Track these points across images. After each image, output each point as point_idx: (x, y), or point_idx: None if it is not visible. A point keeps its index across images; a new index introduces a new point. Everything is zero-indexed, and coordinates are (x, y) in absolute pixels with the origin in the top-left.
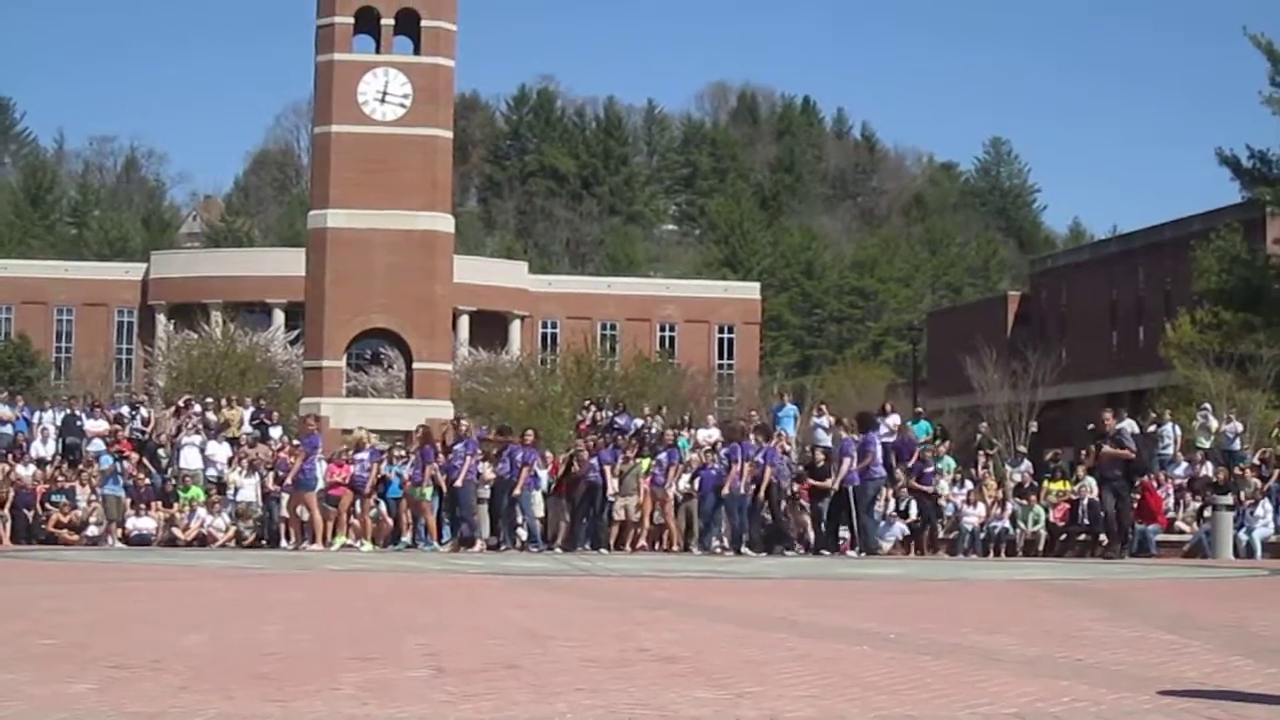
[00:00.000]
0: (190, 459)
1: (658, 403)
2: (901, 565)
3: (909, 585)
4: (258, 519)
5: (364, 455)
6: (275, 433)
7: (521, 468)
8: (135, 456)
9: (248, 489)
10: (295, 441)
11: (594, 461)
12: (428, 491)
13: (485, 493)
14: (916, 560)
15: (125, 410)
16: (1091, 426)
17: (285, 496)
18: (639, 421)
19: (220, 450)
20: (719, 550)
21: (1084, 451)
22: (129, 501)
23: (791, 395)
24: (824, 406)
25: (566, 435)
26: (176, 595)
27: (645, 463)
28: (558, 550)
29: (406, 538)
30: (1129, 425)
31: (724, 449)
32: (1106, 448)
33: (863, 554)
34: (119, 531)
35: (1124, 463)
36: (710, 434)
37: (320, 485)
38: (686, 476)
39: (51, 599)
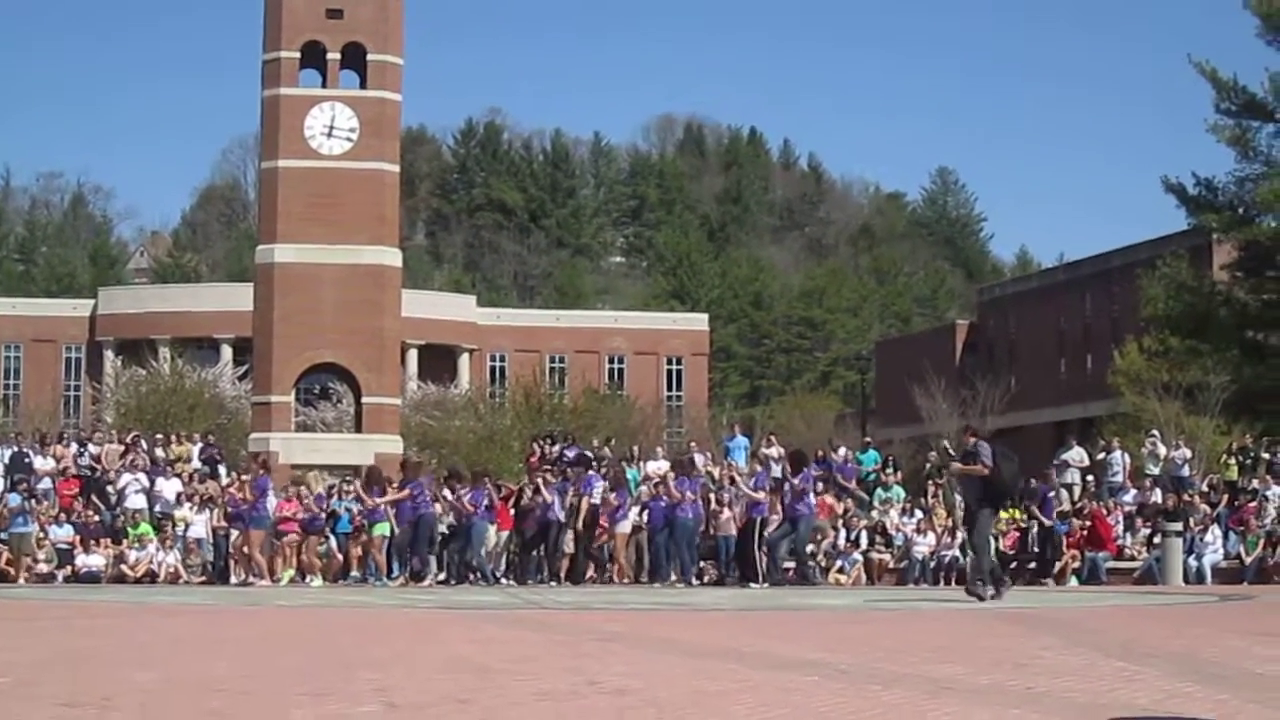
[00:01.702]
0: (135, 497)
1: (607, 435)
2: (852, 595)
3: (859, 615)
4: (207, 560)
5: (311, 499)
6: (223, 469)
7: (470, 506)
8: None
9: (198, 525)
10: (244, 477)
11: (551, 498)
12: (383, 528)
13: (443, 529)
14: (867, 590)
15: (74, 447)
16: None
17: (234, 533)
18: (589, 454)
19: (168, 486)
20: (673, 583)
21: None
22: (78, 540)
23: (742, 426)
24: (773, 438)
25: (516, 468)
26: (127, 632)
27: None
28: (507, 583)
29: (356, 573)
30: (985, 448)
31: (674, 481)
32: (956, 464)
33: (766, 585)
34: (29, 570)
35: (982, 483)
36: (659, 466)
37: (269, 522)
38: (636, 510)
39: (1, 637)
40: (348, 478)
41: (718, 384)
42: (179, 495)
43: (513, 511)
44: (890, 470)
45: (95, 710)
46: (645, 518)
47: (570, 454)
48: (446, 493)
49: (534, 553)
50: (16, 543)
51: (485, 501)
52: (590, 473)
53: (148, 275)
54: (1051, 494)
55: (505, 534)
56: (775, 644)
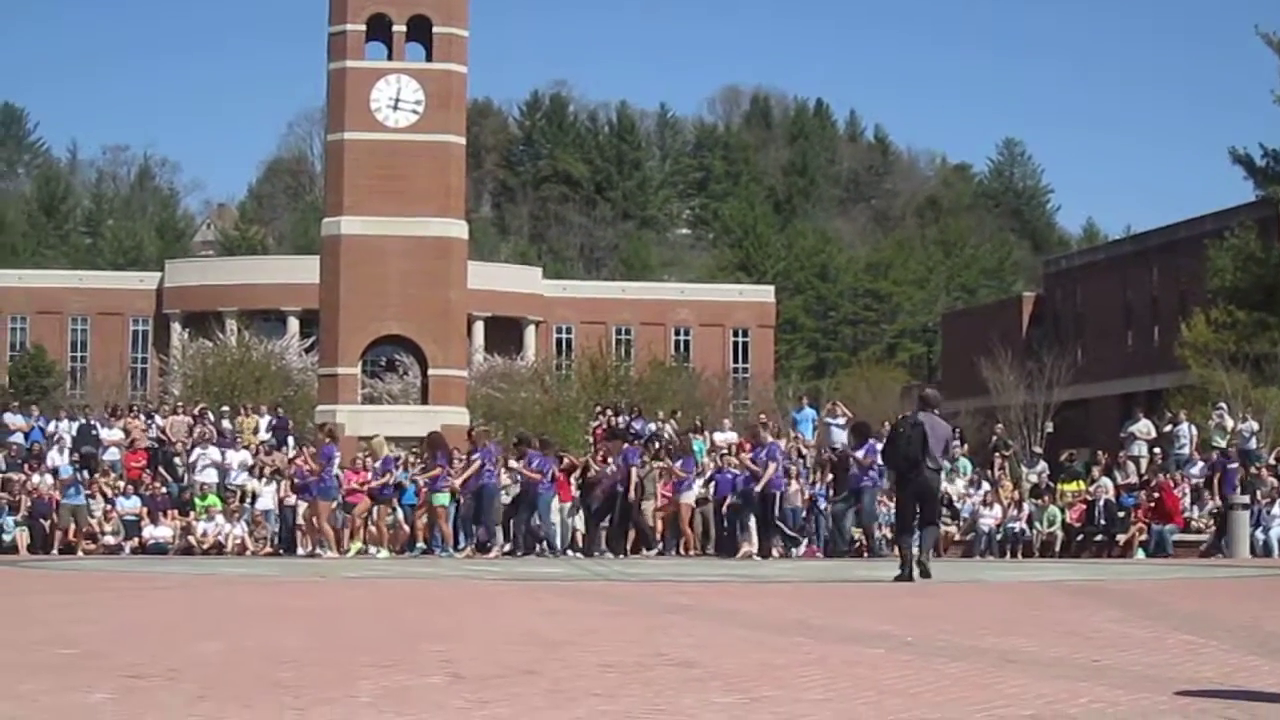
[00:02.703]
0: (204, 469)
1: (673, 407)
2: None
3: (926, 588)
4: (274, 532)
5: (378, 464)
6: (292, 440)
7: (537, 474)
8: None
9: (266, 497)
10: (311, 449)
11: (618, 465)
12: (444, 498)
13: (506, 500)
14: (934, 562)
15: (141, 419)
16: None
17: (302, 505)
18: (653, 426)
19: (235, 458)
20: (747, 555)
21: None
22: (145, 511)
23: (808, 398)
24: (839, 405)
25: (582, 440)
26: (193, 604)
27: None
28: (575, 555)
29: (422, 544)
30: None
31: (761, 451)
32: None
33: (762, 557)
34: (94, 541)
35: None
36: (726, 437)
37: (336, 492)
38: (701, 480)
39: (69, 608)
40: (414, 449)
41: (784, 356)
42: (246, 467)
43: (579, 483)
44: (957, 442)
45: (162, 681)
46: (713, 489)
47: (637, 426)
48: (512, 462)
49: (600, 525)
50: (69, 514)
51: (551, 472)
52: (626, 446)
53: (214, 248)
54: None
55: (567, 505)
56: (842, 617)
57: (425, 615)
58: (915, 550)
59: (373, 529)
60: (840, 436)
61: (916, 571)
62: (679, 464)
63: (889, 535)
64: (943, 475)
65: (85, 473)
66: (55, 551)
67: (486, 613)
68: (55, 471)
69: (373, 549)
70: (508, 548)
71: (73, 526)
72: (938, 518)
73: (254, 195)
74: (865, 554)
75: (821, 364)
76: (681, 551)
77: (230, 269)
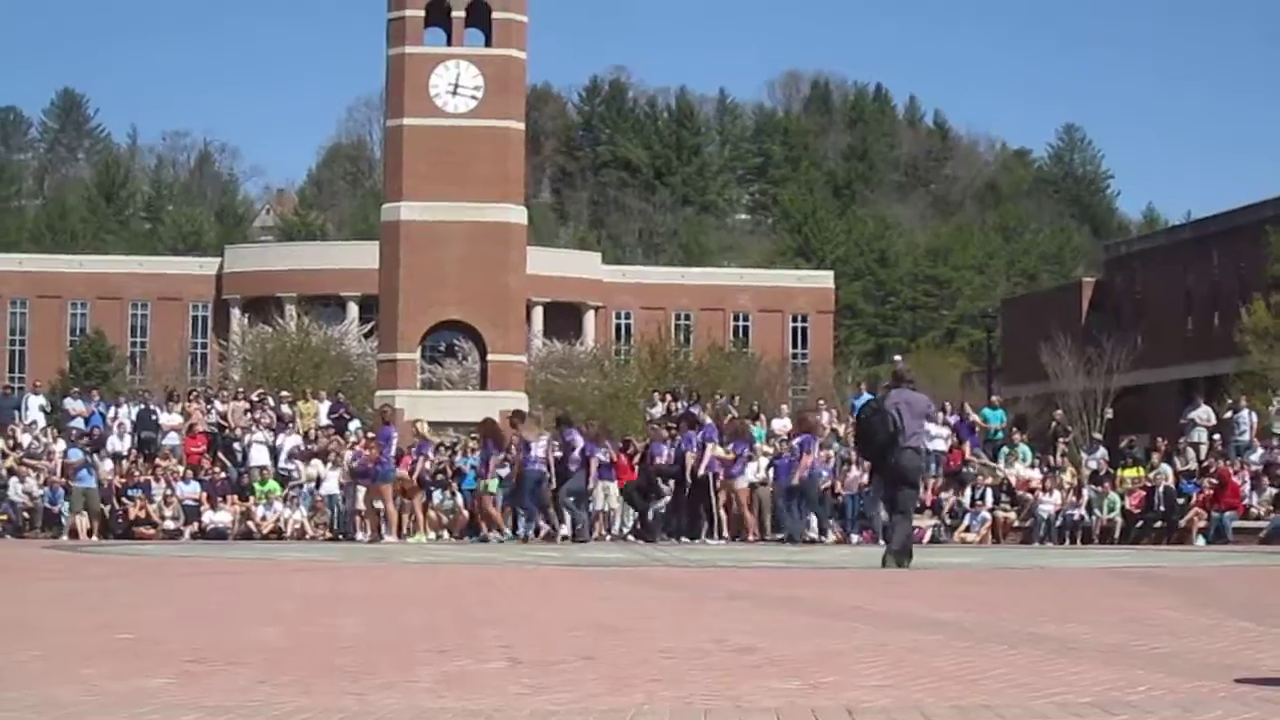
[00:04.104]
0: (259, 455)
1: (731, 392)
2: (978, 553)
3: (985, 574)
4: (334, 517)
5: (413, 449)
6: (354, 425)
7: (586, 460)
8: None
9: (330, 482)
10: (370, 434)
11: (676, 449)
12: (492, 484)
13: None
14: (993, 548)
15: (201, 403)
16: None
17: (361, 490)
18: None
19: (287, 442)
20: (807, 539)
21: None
22: (204, 496)
23: (868, 384)
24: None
25: (642, 426)
26: (252, 589)
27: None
28: (632, 539)
29: (487, 531)
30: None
31: (796, 440)
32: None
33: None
34: (86, 523)
35: None
36: (784, 424)
37: (395, 474)
38: (756, 465)
39: (129, 593)
40: (473, 434)
41: (843, 341)
42: (305, 452)
43: (638, 468)
44: (1018, 429)
45: (222, 665)
46: (771, 474)
47: (696, 412)
48: (535, 440)
49: (656, 509)
50: (81, 497)
51: (607, 458)
52: (690, 429)
53: (273, 233)
54: None
55: (615, 488)
56: (901, 603)
57: (483, 601)
58: (887, 538)
59: (416, 514)
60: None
61: (892, 562)
62: (730, 447)
63: (945, 522)
64: (927, 447)
65: (142, 459)
66: (113, 537)
67: (544, 598)
68: (116, 456)
69: (421, 534)
70: (565, 531)
71: (85, 514)
72: (911, 505)
73: (313, 181)
74: (922, 540)
75: (881, 349)
76: (740, 537)
77: (289, 254)
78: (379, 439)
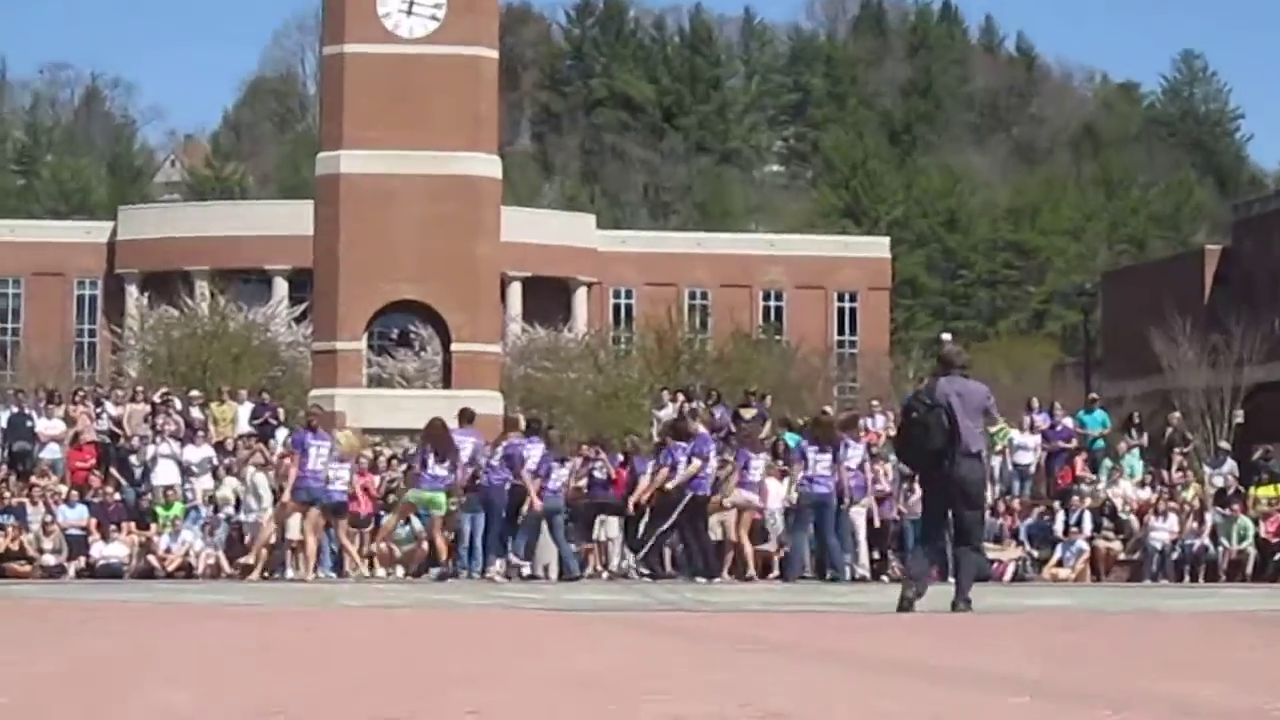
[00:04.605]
0: (163, 471)
1: (760, 390)
2: (1073, 593)
3: (1082, 619)
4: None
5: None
6: (282, 434)
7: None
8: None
9: (255, 505)
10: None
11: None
12: (441, 500)
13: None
14: (1092, 587)
15: (89, 407)
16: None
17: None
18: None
19: (197, 455)
20: (848, 576)
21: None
22: (94, 524)
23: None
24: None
25: (647, 434)
26: (156, 640)
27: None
28: (639, 577)
29: (453, 564)
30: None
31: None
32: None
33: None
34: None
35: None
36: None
37: (317, 495)
38: (781, 485)
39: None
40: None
41: (901, 326)
42: (211, 466)
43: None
44: (1131, 433)
45: None
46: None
47: (718, 414)
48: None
49: (664, 539)
50: None
51: (604, 474)
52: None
53: (180, 191)
54: None
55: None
56: (972, 655)
57: (449, 654)
58: (956, 576)
59: (379, 547)
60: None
61: (961, 607)
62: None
63: (1032, 554)
64: (986, 457)
65: (14, 477)
66: None
67: (526, 652)
68: None
69: (358, 570)
70: (526, 570)
71: None
72: (980, 531)
73: (230, 125)
74: (1002, 576)
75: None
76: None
77: (200, 218)
78: (293, 447)
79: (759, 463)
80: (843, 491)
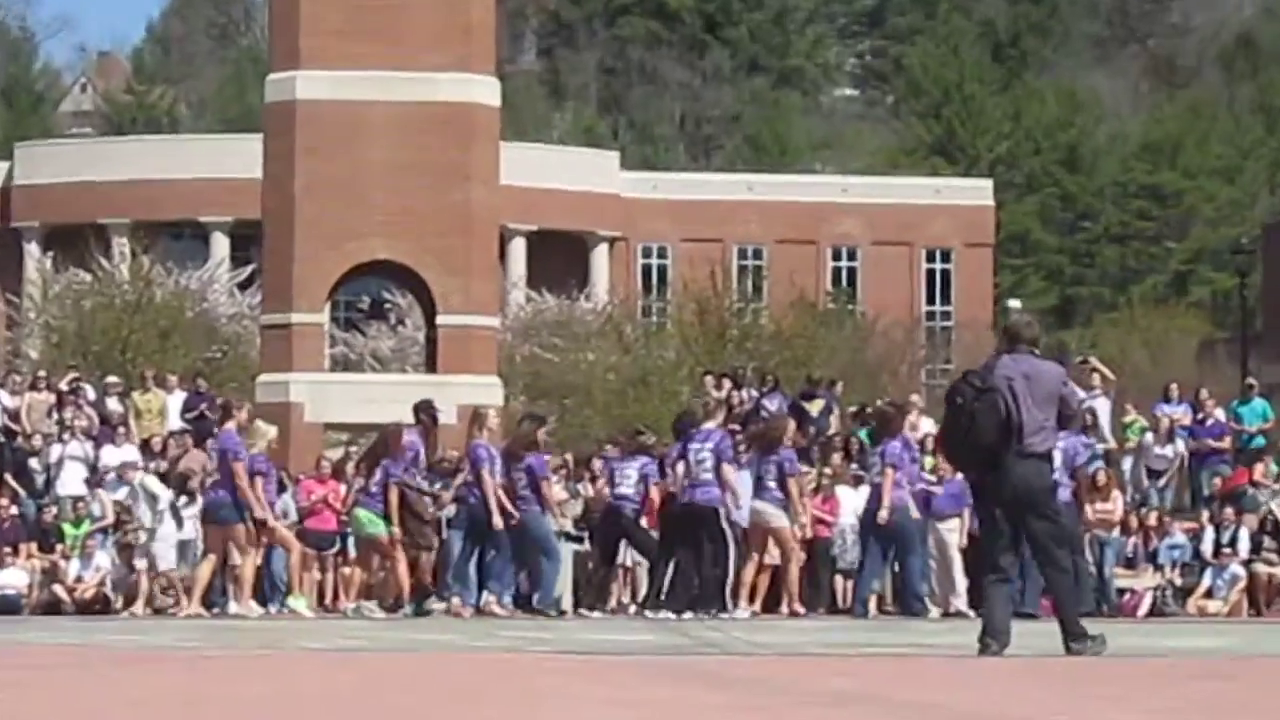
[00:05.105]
0: (72, 478)
1: (830, 374)
2: (1226, 631)
3: (1236, 665)
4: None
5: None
6: (232, 426)
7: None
8: None
9: (188, 524)
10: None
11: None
12: (374, 521)
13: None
14: (1251, 624)
15: None
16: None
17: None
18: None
19: (115, 457)
20: (931, 611)
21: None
22: None
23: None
24: (1093, 373)
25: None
26: (65, 693)
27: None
28: (673, 614)
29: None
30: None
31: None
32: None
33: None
34: None
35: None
36: (918, 421)
37: (281, 515)
38: (856, 493)
39: None
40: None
41: (1007, 292)
42: (134, 473)
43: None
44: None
45: None
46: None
47: (771, 404)
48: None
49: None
50: None
51: (637, 477)
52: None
53: (93, 123)
54: None
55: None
56: (1099, 708)
57: (433, 709)
58: (1056, 612)
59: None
60: (1100, 419)
61: (1078, 648)
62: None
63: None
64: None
65: None
66: None
67: (531, 707)
68: None
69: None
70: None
71: None
72: (1057, 542)
73: (156, 39)
74: (1135, 610)
75: (1069, 304)
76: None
77: (119, 157)
78: (214, 451)
79: (772, 467)
80: (911, 503)
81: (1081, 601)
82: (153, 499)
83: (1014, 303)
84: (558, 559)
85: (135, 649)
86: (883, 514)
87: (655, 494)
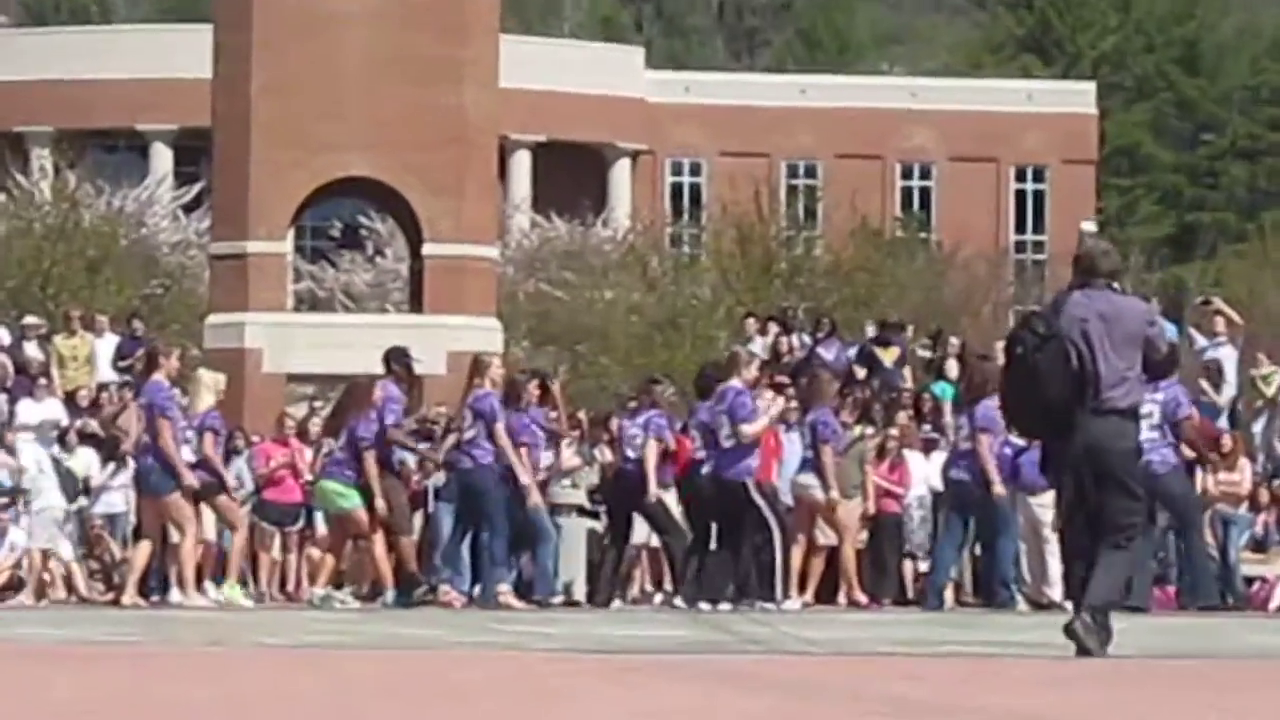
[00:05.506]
0: None
1: (900, 317)
2: None
3: None
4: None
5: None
6: (161, 376)
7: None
8: None
9: (113, 494)
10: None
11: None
12: (349, 495)
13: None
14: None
15: None
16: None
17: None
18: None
19: (37, 413)
20: (1019, 602)
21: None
22: None
23: (1162, 301)
24: (1216, 316)
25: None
26: None
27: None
28: (708, 605)
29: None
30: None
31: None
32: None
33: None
34: None
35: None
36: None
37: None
38: (928, 461)
39: None
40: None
41: (1113, 218)
42: (60, 433)
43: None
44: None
45: None
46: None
47: (828, 353)
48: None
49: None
50: None
51: (651, 438)
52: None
53: (9, 11)
54: None
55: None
56: (1199, 713)
57: (419, 716)
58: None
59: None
60: (1226, 371)
61: (1091, 636)
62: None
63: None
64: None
65: None
66: None
67: (541, 714)
68: None
69: (227, 589)
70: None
71: None
72: (1132, 520)
73: None
74: (1266, 602)
75: (1188, 232)
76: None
77: (39, 53)
78: (140, 407)
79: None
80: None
81: (1201, 593)
82: (41, 468)
83: (1088, 225)
84: (550, 538)
85: (59, 644)
86: (997, 488)
87: (653, 452)
